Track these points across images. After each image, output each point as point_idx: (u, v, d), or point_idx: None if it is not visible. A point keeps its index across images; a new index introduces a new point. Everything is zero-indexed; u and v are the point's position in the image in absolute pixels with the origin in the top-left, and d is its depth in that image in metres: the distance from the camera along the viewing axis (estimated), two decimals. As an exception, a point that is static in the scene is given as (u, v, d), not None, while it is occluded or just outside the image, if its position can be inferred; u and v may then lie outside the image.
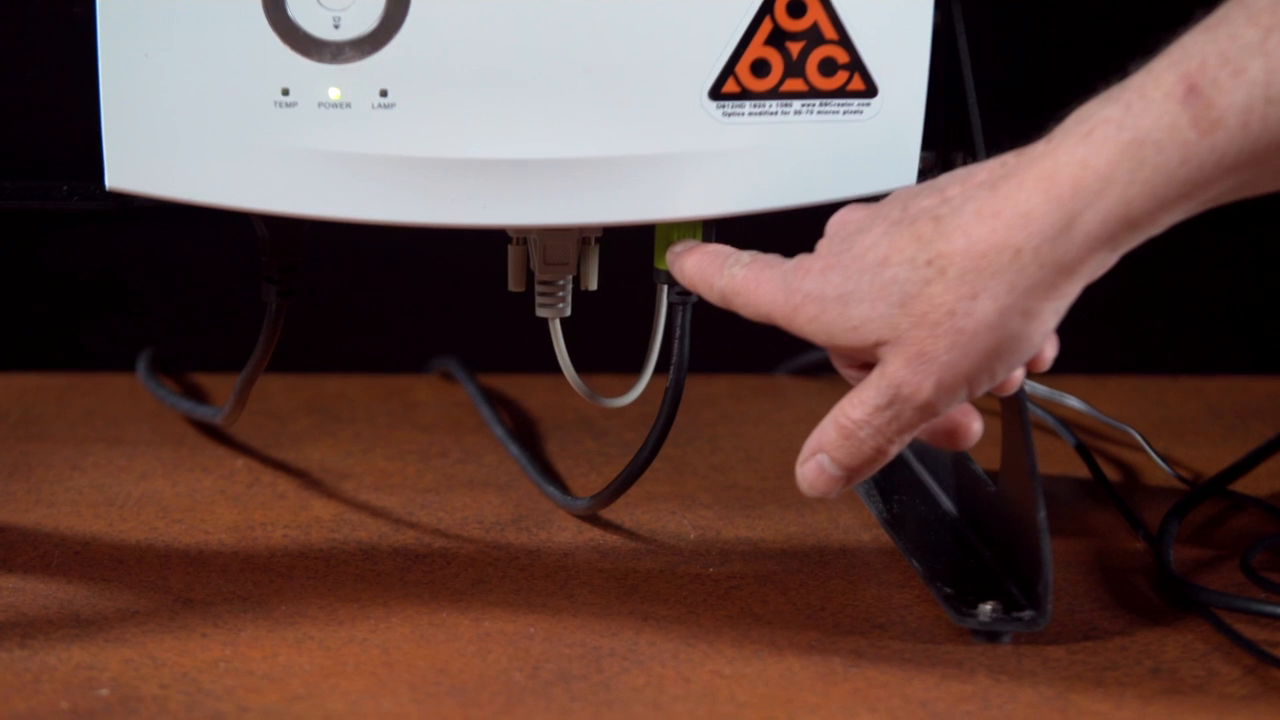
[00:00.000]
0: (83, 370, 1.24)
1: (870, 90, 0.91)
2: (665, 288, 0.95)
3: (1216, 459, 1.10)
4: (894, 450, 0.84)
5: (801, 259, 0.85)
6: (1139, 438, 1.10)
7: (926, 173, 0.95)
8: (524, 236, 0.96)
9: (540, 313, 0.97)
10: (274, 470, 1.08)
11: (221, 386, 1.22)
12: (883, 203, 0.85)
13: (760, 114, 0.90)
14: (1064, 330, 0.84)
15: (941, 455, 1.02)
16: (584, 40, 0.88)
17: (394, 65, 0.87)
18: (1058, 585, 0.93)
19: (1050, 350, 0.84)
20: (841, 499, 1.04)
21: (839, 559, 0.98)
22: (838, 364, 0.86)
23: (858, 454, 0.84)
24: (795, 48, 0.90)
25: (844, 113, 0.91)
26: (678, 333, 0.95)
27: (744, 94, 0.90)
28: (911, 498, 1.02)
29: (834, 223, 0.86)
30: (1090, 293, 0.83)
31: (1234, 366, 1.28)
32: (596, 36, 0.88)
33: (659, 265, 0.94)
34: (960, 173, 0.83)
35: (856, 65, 0.91)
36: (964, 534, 0.98)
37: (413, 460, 1.10)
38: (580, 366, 0.98)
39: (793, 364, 1.26)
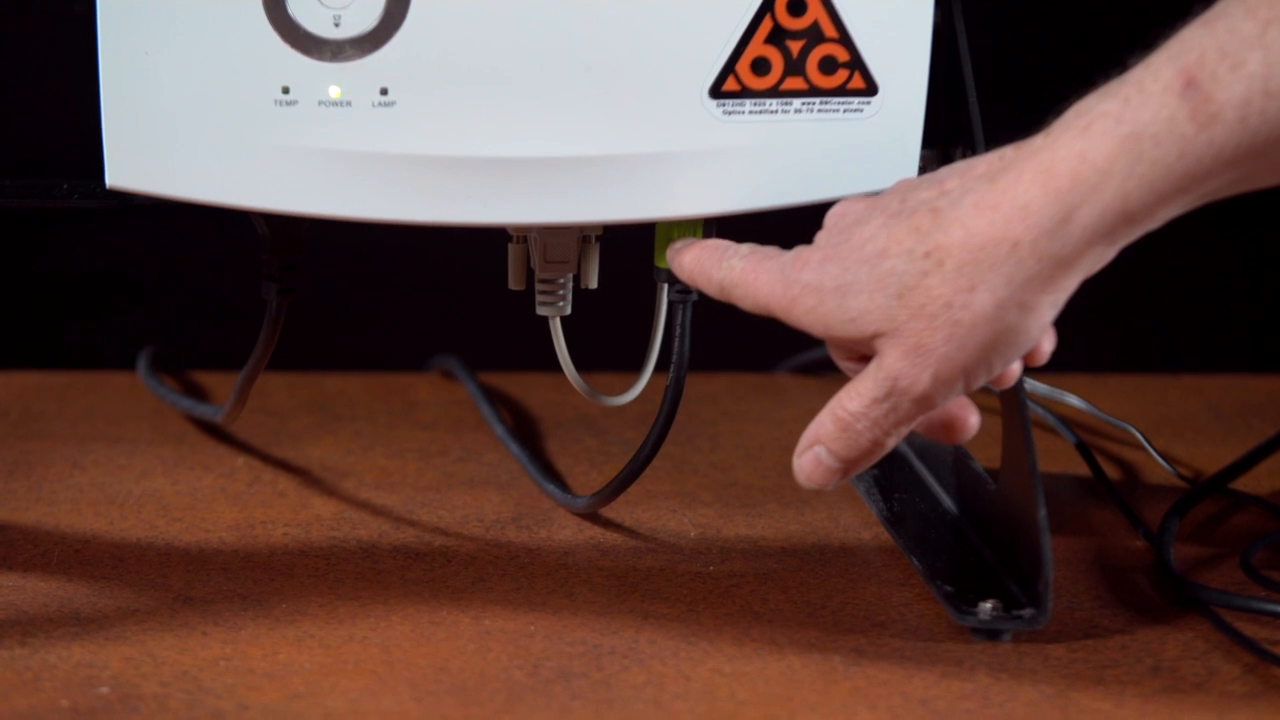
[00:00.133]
0: (83, 368, 1.24)
1: (871, 89, 0.91)
2: (665, 286, 0.95)
3: (1217, 457, 1.10)
4: (891, 442, 0.84)
5: (800, 250, 0.85)
6: (1139, 436, 1.10)
7: (927, 171, 0.95)
8: (524, 235, 0.96)
9: (540, 311, 0.97)
10: (274, 468, 1.08)
11: (222, 385, 1.22)
12: (881, 195, 0.85)
13: (760, 112, 0.90)
14: (1064, 328, 0.84)
15: (942, 454, 1.02)
16: (584, 39, 0.88)
17: (394, 63, 0.87)
18: (1058, 583, 0.93)
19: (1048, 344, 0.84)
20: (842, 497, 1.04)
21: (839, 557, 0.98)
22: (836, 356, 0.86)
23: (855, 446, 0.84)
24: (795, 46, 0.90)
25: (844, 111, 0.91)
26: (678, 331, 0.95)
27: (744, 92, 0.90)
28: (912, 496, 1.03)
29: (833, 214, 0.86)
30: (1091, 291, 0.83)
31: (1234, 365, 1.28)
32: (597, 35, 0.88)
33: (659, 263, 0.94)
34: (959, 165, 0.83)
35: (857, 64, 0.91)
36: (964, 532, 0.98)
37: (413, 458, 1.10)
38: (580, 365, 0.98)
39: (793, 362, 1.26)
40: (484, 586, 0.93)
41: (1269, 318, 1.31)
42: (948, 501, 1.01)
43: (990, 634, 0.88)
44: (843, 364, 0.86)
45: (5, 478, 1.05)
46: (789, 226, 0.90)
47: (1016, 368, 0.86)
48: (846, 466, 0.84)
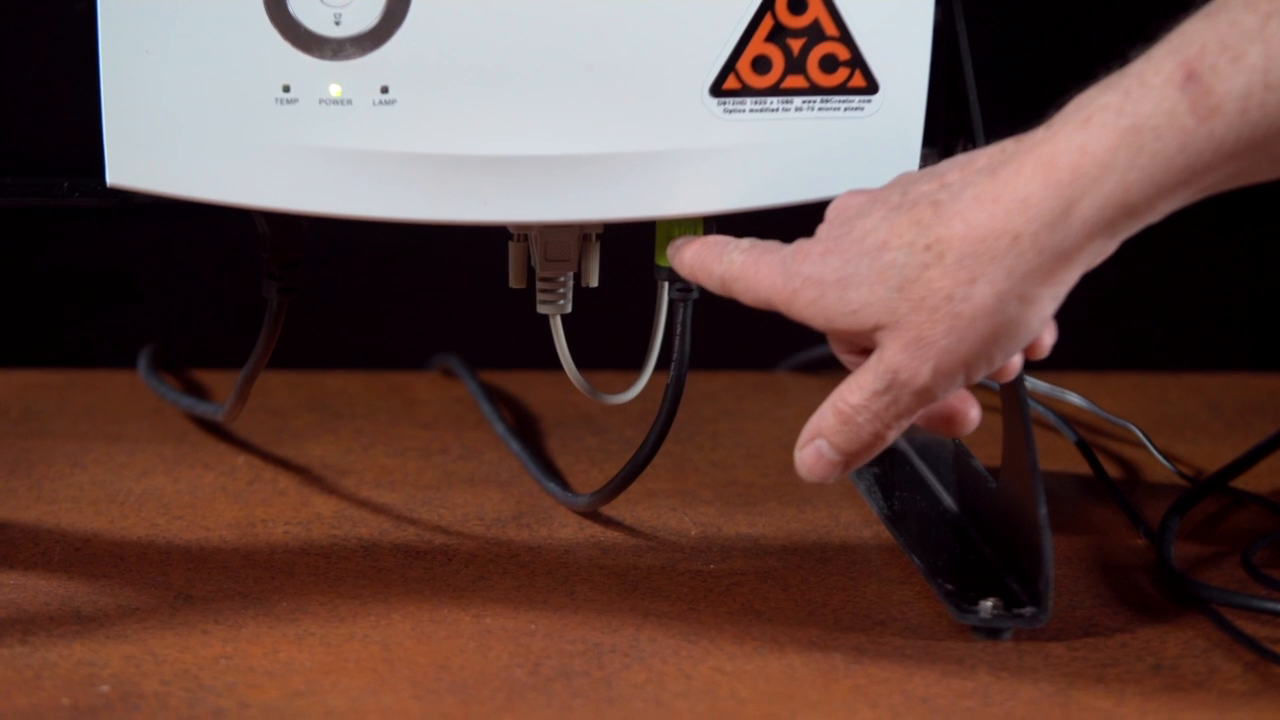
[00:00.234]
0: (84, 367, 1.24)
1: (871, 87, 0.91)
2: (666, 284, 0.95)
3: (1217, 455, 1.10)
4: (892, 435, 0.84)
5: (801, 244, 0.85)
6: (1140, 434, 1.10)
7: (927, 169, 0.95)
8: (525, 233, 0.96)
9: (541, 309, 0.97)
10: (275, 467, 1.08)
11: (222, 383, 1.22)
12: (883, 188, 0.85)
13: (761, 110, 0.90)
14: (1065, 327, 0.84)
15: (943, 452, 1.02)
16: (585, 37, 0.88)
17: (395, 62, 0.87)
18: (1059, 582, 0.93)
19: (1048, 337, 0.84)
20: (842, 495, 1.04)
21: (840, 555, 0.98)
22: (837, 349, 0.87)
23: (856, 439, 0.84)
24: (796, 44, 0.90)
25: (845, 109, 0.91)
26: (679, 329, 0.95)
27: (745, 91, 0.90)
28: (912, 494, 1.02)
29: (834, 207, 0.87)
30: (1092, 289, 0.83)
31: (1235, 363, 1.28)
32: (597, 33, 0.88)
33: (660, 262, 0.94)
34: (960, 158, 0.83)
35: (857, 62, 0.91)
36: (965, 530, 0.98)
37: (413, 457, 1.10)
38: (581, 363, 0.98)
39: (794, 360, 1.26)
40: (485, 585, 0.93)
41: (1269, 316, 1.31)
42: (948, 500, 1.01)
43: (991, 632, 0.88)
44: (844, 357, 0.86)
45: (5, 476, 1.05)
46: (790, 225, 0.90)
47: (1017, 361, 0.86)
48: (848, 459, 0.84)
